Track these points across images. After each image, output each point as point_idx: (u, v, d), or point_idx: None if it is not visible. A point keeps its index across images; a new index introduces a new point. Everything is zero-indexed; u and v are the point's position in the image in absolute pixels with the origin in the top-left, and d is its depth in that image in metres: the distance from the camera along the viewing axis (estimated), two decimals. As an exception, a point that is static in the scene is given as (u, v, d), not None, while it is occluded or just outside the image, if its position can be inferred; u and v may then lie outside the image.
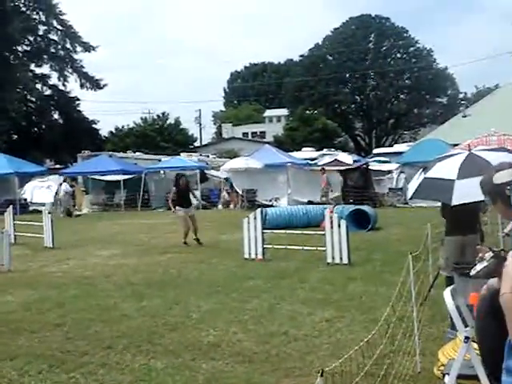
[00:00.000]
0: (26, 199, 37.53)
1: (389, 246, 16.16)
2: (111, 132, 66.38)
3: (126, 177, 38.44)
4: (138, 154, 47.12)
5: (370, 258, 14.12)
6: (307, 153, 46.75)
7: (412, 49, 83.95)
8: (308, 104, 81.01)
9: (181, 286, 11.49)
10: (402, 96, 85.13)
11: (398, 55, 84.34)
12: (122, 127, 67.16)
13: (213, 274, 12.80)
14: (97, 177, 39.03)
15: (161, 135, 62.94)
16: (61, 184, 35.82)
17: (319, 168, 33.55)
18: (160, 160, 43.74)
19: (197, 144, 75.42)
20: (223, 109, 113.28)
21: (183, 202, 18.05)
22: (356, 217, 19.92)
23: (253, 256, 14.30)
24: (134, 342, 7.69)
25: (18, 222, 20.23)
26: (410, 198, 9.83)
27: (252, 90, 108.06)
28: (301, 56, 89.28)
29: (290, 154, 42.15)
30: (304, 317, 8.72)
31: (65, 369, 6.75)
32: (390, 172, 34.68)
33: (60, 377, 6.51)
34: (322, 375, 3.22)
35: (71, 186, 37.48)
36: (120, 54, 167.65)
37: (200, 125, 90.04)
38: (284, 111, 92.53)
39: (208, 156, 49.18)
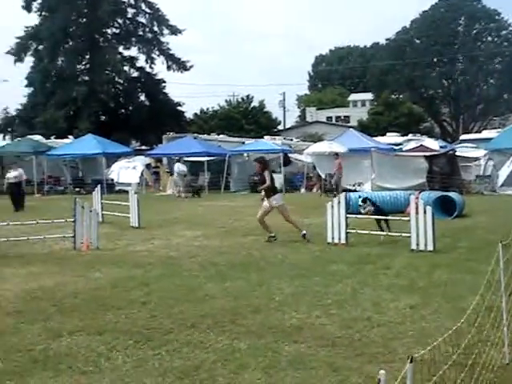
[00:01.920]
0: (112, 179, 38.37)
1: (475, 234, 15.80)
2: (196, 114, 66.99)
3: (210, 159, 38.80)
4: (222, 136, 47.47)
5: (456, 246, 13.82)
6: (392, 138, 46.17)
7: (504, 32, 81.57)
8: (393, 88, 79.91)
9: (263, 269, 11.53)
10: (491, 81, 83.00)
11: (489, 38, 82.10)
12: (207, 109, 67.71)
13: (295, 257, 12.79)
14: (177, 158, 39.49)
15: (245, 118, 63.13)
16: (174, 163, 36.35)
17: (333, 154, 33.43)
18: (244, 143, 43.94)
19: (280, 127, 75.44)
20: (307, 92, 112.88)
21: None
22: (442, 204, 19.55)
23: (336, 240, 14.22)
24: (218, 322, 7.77)
25: (105, 202, 20.72)
26: (501, 186, 9.56)
27: (337, 73, 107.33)
28: (387, 39, 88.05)
29: (374, 138, 41.71)
30: (387, 303, 8.62)
31: (150, 345, 6.88)
32: (477, 159, 33.83)
33: (146, 353, 6.64)
34: (411, 362, 3.17)
35: (156, 167, 38.14)
36: (205, 36, 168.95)
37: (284, 108, 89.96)
38: (369, 95, 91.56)
39: (292, 139, 49.10)
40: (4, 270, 11.70)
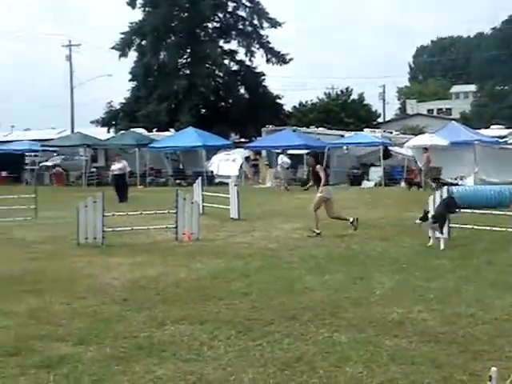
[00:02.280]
0: (212, 172, 38.88)
1: None
2: (295, 107, 66.93)
3: (309, 151, 38.70)
4: (321, 129, 47.28)
5: None
6: (496, 130, 44.82)
7: None
8: (499, 79, 77.52)
9: (363, 262, 11.46)
10: None
11: None
12: (306, 102, 67.51)
13: (396, 251, 12.64)
14: (280, 151, 39.60)
15: (344, 111, 62.59)
16: (278, 155, 36.56)
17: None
18: (343, 136, 43.65)
19: (380, 120, 74.46)
20: (408, 84, 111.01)
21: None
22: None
23: (437, 235, 13.95)
24: (318, 314, 7.78)
25: (205, 194, 21.03)
26: None
27: (439, 65, 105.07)
28: (492, 29, 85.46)
29: (477, 131, 40.61)
30: (492, 299, 8.41)
31: (251, 336, 6.96)
32: None
33: (247, 343, 6.72)
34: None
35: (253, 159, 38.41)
36: (302, 29, 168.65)
37: (384, 100, 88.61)
38: (472, 87, 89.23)
39: (391, 132, 48.40)
40: (110, 259, 12.08)
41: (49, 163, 46.25)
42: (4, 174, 44.23)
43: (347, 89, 66.08)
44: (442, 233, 13.03)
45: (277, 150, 39.77)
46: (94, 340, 6.88)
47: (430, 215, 13.35)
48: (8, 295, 9.05)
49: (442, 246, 12.66)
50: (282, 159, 35.85)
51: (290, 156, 38.52)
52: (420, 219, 13.49)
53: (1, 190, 27.42)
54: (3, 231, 16.62)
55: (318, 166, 15.90)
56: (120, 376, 5.83)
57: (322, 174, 15.61)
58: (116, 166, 27.26)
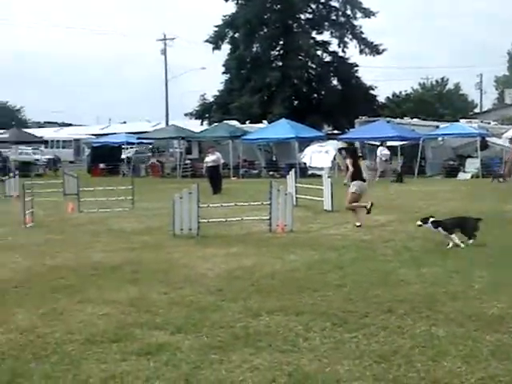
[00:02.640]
0: (305, 163, 38.84)
1: None
2: (388, 98, 66.17)
3: (403, 143, 38.21)
4: (415, 120, 46.55)
5: None
6: None
7: None
8: None
9: (460, 255, 11.22)
10: None
11: None
12: (400, 93, 66.65)
13: (496, 245, 12.29)
14: (373, 142, 39.22)
15: (439, 101, 61.50)
16: (377, 147, 36.26)
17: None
18: (438, 127, 42.81)
19: (477, 110, 72.71)
20: (506, 73, 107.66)
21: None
22: None
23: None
24: (414, 307, 7.67)
25: (298, 185, 21.03)
26: None
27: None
28: None
29: None
30: None
31: (347, 328, 6.93)
32: None
33: (342, 335, 6.69)
34: None
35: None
36: (393, 18, 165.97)
37: (481, 90, 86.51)
38: None
39: (489, 123, 47.11)
40: (205, 250, 12.25)
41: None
42: (102, 166, 45.49)
43: (443, 79, 64.93)
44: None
45: (372, 142, 39.31)
46: (191, 329, 7.01)
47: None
48: (110, 284, 9.33)
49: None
50: (382, 151, 35.41)
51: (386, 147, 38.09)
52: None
53: (99, 182, 28.26)
54: (102, 222, 17.11)
55: (348, 160, 16.09)
56: (217, 364, 5.92)
57: (350, 168, 15.84)
58: (210, 158, 27.61)
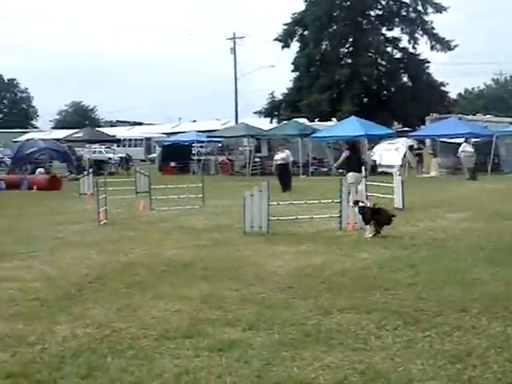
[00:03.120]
0: (375, 161, 38.52)
1: None
2: (460, 94, 65.02)
3: (476, 140, 37.46)
4: (488, 116, 45.63)
5: None
6: None
7: None
8: None
9: (537, 255, 10.96)
10: None
11: None
12: (472, 89, 65.42)
13: None
14: (445, 139, 38.58)
15: (513, 97, 60.12)
16: (460, 144, 35.63)
17: None
18: (512, 123, 41.88)
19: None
20: None
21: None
22: None
23: None
24: (489, 307, 7.53)
25: (368, 183, 20.84)
26: None
27: None
28: None
29: None
30: None
31: (419, 327, 6.85)
32: None
33: (415, 334, 6.62)
34: None
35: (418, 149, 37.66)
36: (467, 13, 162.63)
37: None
38: None
39: None
40: (275, 247, 12.29)
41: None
42: (173, 164, 46.07)
43: (517, 74, 63.33)
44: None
45: (444, 139, 38.61)
46: (263, 326, 7.04)
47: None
48: (181, 280, 9.44)
49: None
50: (464, 147, 34.63)
51: (456, 145, 37.39)
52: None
53: (170, 180, 28.66)
54: (173, 219, 17.33)
55: (344, 153, 18.63)
56: (289, 362, 5.93)
57: (341, 157, 18.65)
58: (279, 156, 27.68)
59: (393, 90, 60.65)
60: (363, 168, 21.59)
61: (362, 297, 8.19)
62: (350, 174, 17.56)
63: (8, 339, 6.76)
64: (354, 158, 17.98)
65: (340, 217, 14.74)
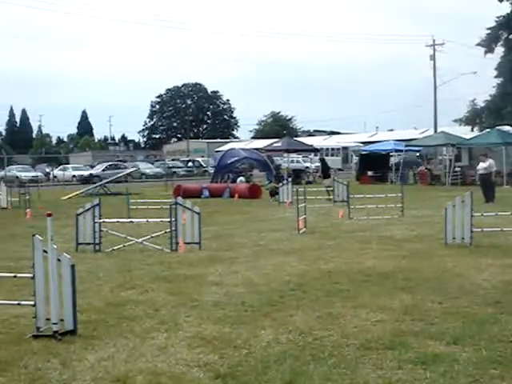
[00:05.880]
0: None
1: None
2: None
3: None
4: None
5: None
6: None
7: None
8: None
9: None
10: None
11: None
12: None
13: None
14: None
15: None
16: None
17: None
18: None
19: None
20: None
21: None
22: None
23: None
24: None
25: None
26: None
27: None
28: None
29: None
30: None
31: None
32: None
33: None
34: None
35: None
36: None
37: None
38: None
39: None
40: (480, 260, 11.83)
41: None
42: (370, 173, 45.86)
43: None
44: None
45: None
46: (468, 341, 6.80)
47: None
48: (382, 290, 9.35)
49: None
50: None
51: None
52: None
53: (368, 189, 28.55)
54: (372, 229, 17.22)
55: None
56: (497, 380, 5.68)
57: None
58: (482, 165, 26.68)
59: None
60: None
61: None
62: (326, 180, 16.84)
63: (216, 342, 7.03)
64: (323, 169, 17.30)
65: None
